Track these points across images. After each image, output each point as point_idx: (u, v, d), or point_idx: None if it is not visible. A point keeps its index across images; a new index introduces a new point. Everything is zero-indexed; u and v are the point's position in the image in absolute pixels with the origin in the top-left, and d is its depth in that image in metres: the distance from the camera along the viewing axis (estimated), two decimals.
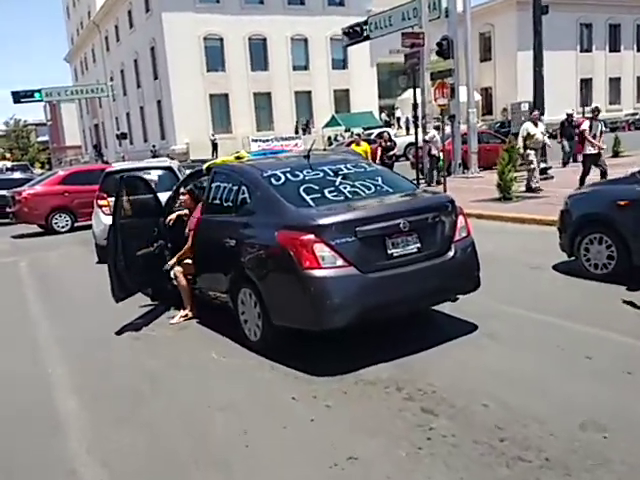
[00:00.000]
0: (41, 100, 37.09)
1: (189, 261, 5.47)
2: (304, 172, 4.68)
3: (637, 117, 37.94)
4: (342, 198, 4.42)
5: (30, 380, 4.49)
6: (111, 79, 42.72)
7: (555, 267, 6.35)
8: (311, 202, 4.32)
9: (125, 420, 3.66)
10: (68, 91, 37.97)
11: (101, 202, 8.99)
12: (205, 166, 5.73)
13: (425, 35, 15.71)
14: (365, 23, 20.04)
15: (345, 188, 4.53)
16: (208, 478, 3.00)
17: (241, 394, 3.88)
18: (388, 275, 4.07)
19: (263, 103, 37.32)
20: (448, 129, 16.27)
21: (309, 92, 38.46)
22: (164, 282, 5.91)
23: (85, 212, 11.96)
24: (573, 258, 6.12)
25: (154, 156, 29.22)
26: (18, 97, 34.18)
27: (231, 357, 4.55)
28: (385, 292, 4.06)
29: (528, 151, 11.69)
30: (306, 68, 38.30)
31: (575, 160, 16.58)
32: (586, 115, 27.52)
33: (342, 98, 39.45)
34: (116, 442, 3.39)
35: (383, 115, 38.57)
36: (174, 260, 5.54)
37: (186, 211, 5.90)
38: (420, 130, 15.96)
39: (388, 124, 35.57)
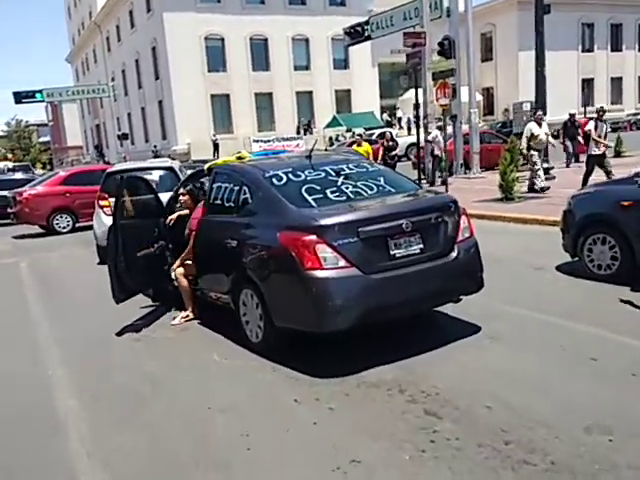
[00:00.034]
0: (42, 101, 37.13)
1: (190, 262, 5.44)
2: (306, 172, 4.65)
3: (639, 117, 37.90)
4: (344, 198, 4.39)
5: (30, 381, 4.47)
6: (112, 79, 42.72)
7: (558, 268, 6.32)
8: (313, 202, 4.29)
9: (126, 421, 3.64)
10: (69, 91, 37.98)
11: (102, 202, 8.97)
12: (206, 166, 5.71)
13: (427, 35, 15.67)
14: (366, 23, 20.00)
15: (347, 188, 4.50)
16: None
17: (242, 396, 3.85)
18: (391, 276, 4.03)
19: (264, 103, 37.31)
20: (450, 129, 16.23)
21: (310, 92, 38.45)
22: (165, 283, 5.89)
23: (86, 212, 11.95)
24: (576, 259, 6.08)
25: (155, 156, 29.23)
26: (19, 98, 34.17)
27: (232, 359, 4.52)
28: (388, 293, 4.02)
29: (532, 152, 11.64)
30: (307, 68, 38.29)
31: (577, 160, 16.55)
32: (588, 115, 27.50)
33: (343, 98, 39.44)
34: (117, 444, 3.37)
35: (385, 115, 38.54)
36: (178, 262, 5.51)
37: (187, 211, 5.88)
38: (422, 130, 15.93)
39: (389, 124, 35.54)
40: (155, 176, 8.89)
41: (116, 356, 4.88)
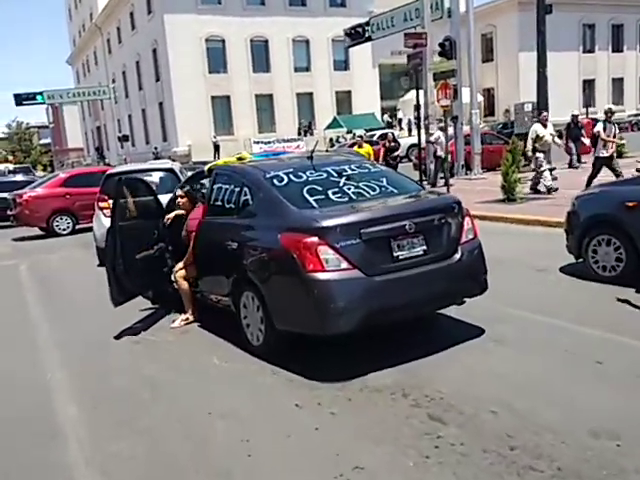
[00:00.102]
0: (43, 103, 37.18)
1: (190, 264, 5.39)
2: (307, 173, 4.60)
3: None
4: (346, 199, 4.33)
5: (29, 384, 4.43)
6: (113, 81, 42.75)
7: (562, 269, 6.26)
8: (314, 204, 4.24)
9: (125, 426, 3.58)
10: (70, 93, 38.01)
11: (102, 204, 8.92)
12: (207, 167, 5.66)
13: (428, 35, 15.62)
14: (367, 24, 19.98)
15: (349, 189, 4.45)
16: None
17: (243, 400, 3.80)
18: (394, 278, 3.98)
19: (265, 105, 37.29)
20: (451, 130, 16.18)
21: (311, 94, 38.42)
22: (165, 285, 5.84)
23: (86, 214, 11.91)
24: (580, 260, 6.03)
25: (156, 158, 29.25)
26: (20, 99, 34.21)
27: (233, 362, 4.46)
28: (390, 295, 3.97)
29: (537, 154, 11.57)
30: (308, 69, 38.28)
31: (579, 161, 16.49)
32: (590, 116, 27.44)
33: (344, 99, 39.42)
34: (115, 449, 3.31)
35: (385, 116, 38.51)
36: (180, 265, 5.45)
37: (183, 211, 5.82)
38: (423, 131, 15.88)
39: (390, 125, 35.51)
40: (155, 178, 8.84)
41: (115, 359, 4.83)
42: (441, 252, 4.25)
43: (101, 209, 8.92)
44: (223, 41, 35.57)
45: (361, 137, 17.17)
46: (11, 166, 37.36)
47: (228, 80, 35.78)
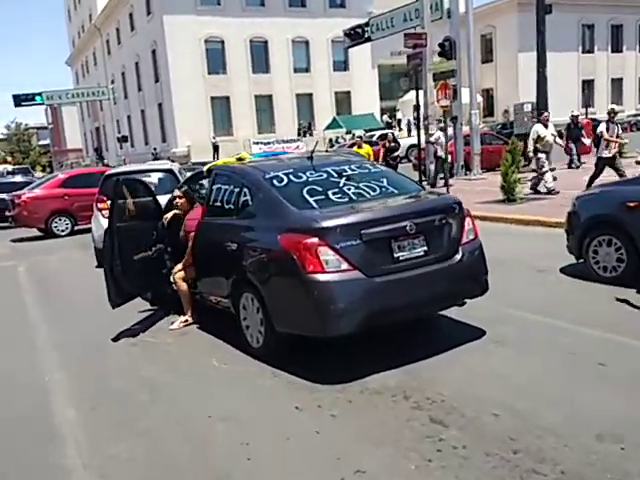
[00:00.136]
0: (42, 103, 37.14)
1: (189, 265, 5.35)
2: (307, 173, 4.57)
3: (639, 118, 37.80)
4: (346, 200, 4.30)
5: (27, 386, 4.40)
6: (112, 82, 42.73)
7: (562, 270, 6.24)
8: (315, 204, 4.20)
9: (123, 429, 3.55)
10: (69, 94, 37.99)
11: (101, 205, 8.88)
12: (206, 168, 5.63)
13: (427, 36, 15.60)
14: (366, 24, 19.95)
15: (349, 190, 4.41)
16: None
17: (243, 402, 3.77)
18: (394, 279, 3.94)
19: (264, 105, 37.26)
20: (450, 130, 16.15)
21: (310, 94, 38.40)
22: (164, 286, 5.81)
23: (85, 215, 11.88)
24: (581, 261, 6.00)
25: (155, 159, 29.20)
26: (19, 100, 34.18)
27: (232, 364, 4.43)
28: (391, 297, 3.94)
29: (539, 154, 11.54)
30: (307, 70, 38.26)
31: (579, 161, 16.47)
32: (589, 116, 27.42)
33: (343, 100, 39.40)
34: (114, 452, 3.28)
35: (385, 117, 38.50)
36: (179, 267, 5.41)
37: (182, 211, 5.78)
38: (422, 132, 15.85)
39: (389, 126, 35.50)
40: (154, 178, 8.81)
41: (114, 361, 4.79)
42: (442, 253, 4.21)
43: (100, 210, 8.88)
44: (222, 42, 35.54)
45: (360, 137, 17.13)
46: (10, 167, 37.26)
47: (227, 81, 35.76)
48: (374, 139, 24.13)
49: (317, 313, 3.88)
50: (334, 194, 4.34)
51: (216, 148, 32.37)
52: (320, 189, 4.37)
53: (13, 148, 65.06)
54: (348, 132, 32.89)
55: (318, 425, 3.36)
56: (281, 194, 4.33)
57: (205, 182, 5.69)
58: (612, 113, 10.95)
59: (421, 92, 15.69)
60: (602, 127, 10.69)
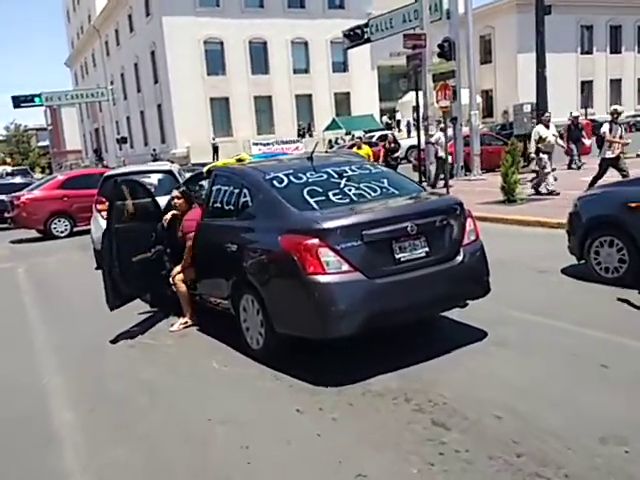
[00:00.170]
0: (41, 105, 37.15)
1: (189, 267, 5.32)
2: (307, 174, 4.54)
3: (638, 119, 37.81)
4: (347, 201, 4.27)
5: (25, 388, 4.37)
6: (111, 83, 42.72)
7: (564, 271, 6.21)
8: (315, 205, 4.18)
9: (122, 433, 3.52)
10: (68, 95, 38.02)
11: (100, 207, 8.84)
12: (205, 169, 5.60)
13: (427, 37, 15.58)
14: (366, 25, 19.95)
15: (350, 190, 4.39)
16: None
17: (243, 405, 3.73)
18: (395, 280, 3.92)
19: (264, 106, 37.28)
20: (450, 131, 16.11)
21: (310, 95, 38.42)
22: (163, 288, 5.77)
23: (84, 217, 11.84)
24: (582, 261, 5.97)
25: (155, 160, 29.16)
26: (18, 102, 34.20)
27: (232, 366, 4.40)
28: (392, 298, 3.91)
29: (541, 155, 11.52)
30: (306, 71, 38.28)
31: (579, 161, 16.45)
32: (589, 117, 27.42)
33: (343, 101, 39.42)
34: (112, 457, 3.25)
35: (384, 118, 38.51)
36: (178, 269, 5.38)
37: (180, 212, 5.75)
38: (422, 132, 15.83)
39: (389, 127, 35.51)
40: (154, 179, 8.78)
41: (113, 363, 4.76)
42: (443, 254, 4.19)
43: (99, 211, 8.85)
44: (221, 43, 35.55)
45: (360, 138, 17.11)
46: (9, 168, 37.16)
47: (227, 82, 35.76)
48: (374, 140, 24.12)
49: (318, 314, 3.85)
50: (335, 195, 4.31)
51: (215, 149, 32.37)
52: (320, 190, 4.34)
53: (12, 149, 65.00)
54: (347, 133, 32.91)
55: (319, 428, 3.33)
56: (281, 195, 4.30)
57: (205, 183, 5.66)
58: (615, 114, 10.89)
59: (420, 93, 15.68)
60: (605, 128, 10.65)
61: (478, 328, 4.61)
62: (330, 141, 33.37)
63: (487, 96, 42.38)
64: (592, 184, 9.96)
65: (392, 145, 15.85)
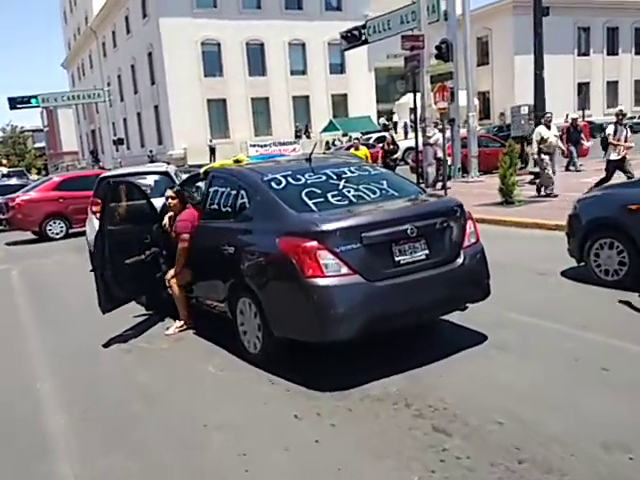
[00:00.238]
0: (38, 106, 36.97)
1: (184, 269, 5.25)
2: (306, 176, 4.48)
3: (635, 120, 37.92)
4: (346, 202, 4.22)
5: (18, 394, 4.29)
6: (108, 84, 42.62)
7: (563, 273, 6.17)
8: (314, 207, 4.12)
9: (117, 440, 3.45)
10: (65, 97, 37.82)
11: (95, 208, 8.77)
12: (202, 170, 5.54)
13: (425, 38, 15.55)
14: (363, 27, 19.90)
15: (349, 192, 4.33)
16: None
17: (240, 411, 3.67)
18: (395, 283, 3.86)
19: (261, 108, 37.23)
20: (447, 133, 16.08)
21: (307, 97, 38.40)
22: (158, 290, 5.69)
23: (80, 218, 11.73)
24: (582, 264, 5.93)
25: (151, 161, 29.03)
26: (14, 103, 34.03)
27: (229, 370, 4.34)
28: (392, 301, 3.86)
29: (542, 156, 11.50)
30: (304, 73, 38.25)
31: (577, 161, 16.45)
32: (586, 119, 27.46)
33: (340, 103, 39.40)
34: (106, 464, 3.18)
35: (381, 120, 38.50)
36: (172, 272, 5.30)
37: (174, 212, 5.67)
38: (420, 134, 15.78)
39: (386, 128, 35.49)
40: (150, 181, 8.71)
41: (107, 368, 4.69)
42: (443, 256, 4.14)
43: (94, 213, 8.77)
44: (219, 44, 35.51)
45: (357, 140, 17.06)
46: (5, 170, 37.07)
47: (224, 83, 35.70)
48: (370, 142, 24.09)
49: (316, 318, 3.79)
50: (333, 197, 4.26)
51: (213, 151, 32.30)
52: (319, 191, 4.29)
53: (8, 151, 64.72)
54: (345, 135, 32.87)
55: (317, 434, 3.27)
56: (279, 197, 4.25)
57: (201, 184, 5.59)
58: (620, 115, 10.86)
59: (418, 94, 15.64)
60: (609, 130, 10.61)
61: (478, 331, 4.56)
62: (327, 142, 33.33)
63: (484, 98, 42.45)
64: (597, 186, 9.91)
65: (391, 146, 15.80)
